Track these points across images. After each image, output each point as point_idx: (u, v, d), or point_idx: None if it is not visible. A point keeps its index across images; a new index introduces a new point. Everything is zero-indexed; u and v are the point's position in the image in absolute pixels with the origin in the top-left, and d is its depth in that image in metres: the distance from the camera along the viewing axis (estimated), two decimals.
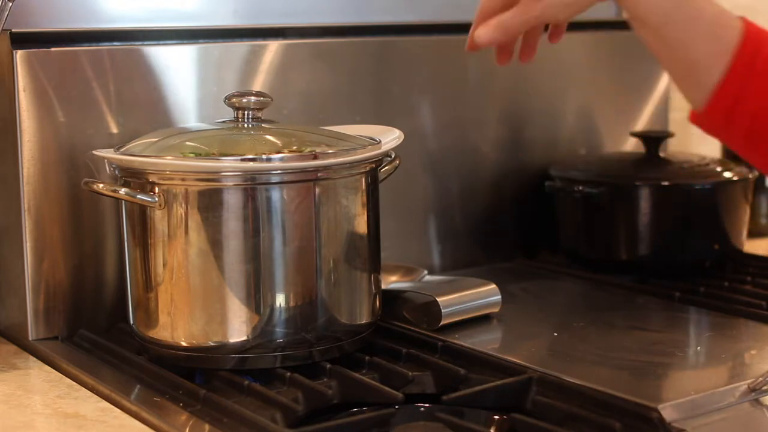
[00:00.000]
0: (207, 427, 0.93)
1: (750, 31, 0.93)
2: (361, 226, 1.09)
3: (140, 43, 1.22)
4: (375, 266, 1.11)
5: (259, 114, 1.10)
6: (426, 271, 1.28)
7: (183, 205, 1.03)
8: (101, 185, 1.06)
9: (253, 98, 1.10)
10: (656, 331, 1.21)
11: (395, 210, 1.36)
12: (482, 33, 0.96)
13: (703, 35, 0.93)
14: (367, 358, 1.08)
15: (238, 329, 1.03)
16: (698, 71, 0.94)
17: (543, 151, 1.52)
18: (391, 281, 1.26)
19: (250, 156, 1.02)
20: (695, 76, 0.94)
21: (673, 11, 0.92)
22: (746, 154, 0.98)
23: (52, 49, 1.16)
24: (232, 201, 1.02)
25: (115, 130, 1.20)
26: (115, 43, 1.20)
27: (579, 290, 1.38)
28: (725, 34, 0.93)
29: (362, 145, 1.09)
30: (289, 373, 1.02)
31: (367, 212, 1.09)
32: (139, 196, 1.04)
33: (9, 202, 1.18)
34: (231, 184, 1.02)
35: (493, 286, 1.21)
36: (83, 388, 1.04)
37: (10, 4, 1.10)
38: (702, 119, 0.96)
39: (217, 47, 1.27)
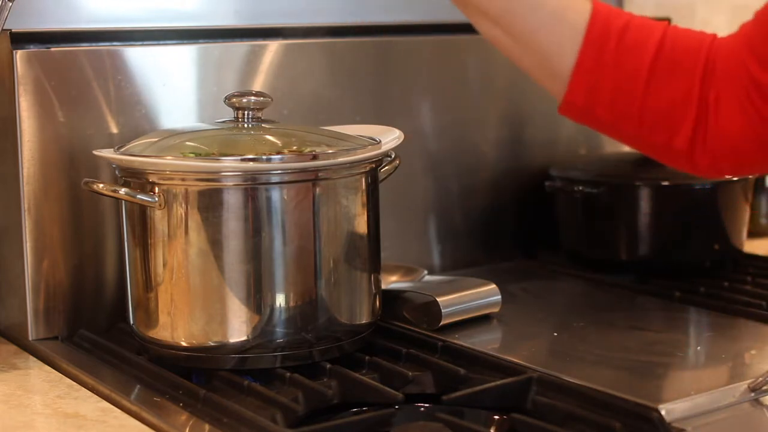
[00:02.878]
0: (207, 427, 0.93)
1: (598, 10, 0.92)
2: (361, 226, 1.09)
3: (140, 43, 1.22)
4: (375, 266, 1.11)
5: (259, 114, 1.10)
6: (426, 271, 1.28)
7: (183, 205, 1.03)
8: (101, 185, 1.06)
9: (253, 98, 1.10)
10: (656, 331, 1.21)
11: (395, 210, 1.36)
12: None
13: (549, 22, 0.92)
14: (367, 358, 1.08)
15: (238, 329, 1.03)
16: (550, 59, 0.93)
17: (543, 151, 1.53)
18: (391, 281, 1.27)
19: (250, 156, 1.02)
20: (549, 66, 0.93)
21: (513, 2, 0.92)
22: (614, 132, 0.97)
23: (52, 49, 1.16)
24: (232, 201, 1.02)
25: (115, 130, 1.20)
26: (115, 43, 1.20)
27: (579, 290, 1.38)
28: (571, 17, 0.92)
29: (362, 145, 1.09)
30: (289, 373, 1.02)
31: (367, 212, 1.09)
32: (139, 196, 1.03)
33: (9, 202, 1.18)
34: (231, 184, 1.02)
35: (493, 286, 1.21)
36: (83, 388, 1.04)
37: (10, 4, 1.10)
38: (567, 107, 0.95)
39: (217, 47, 1.27)
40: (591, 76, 0.93)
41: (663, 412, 0.92)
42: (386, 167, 1.15)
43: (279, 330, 1.04)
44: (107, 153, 1.10)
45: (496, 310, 1.21)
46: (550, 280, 1.43)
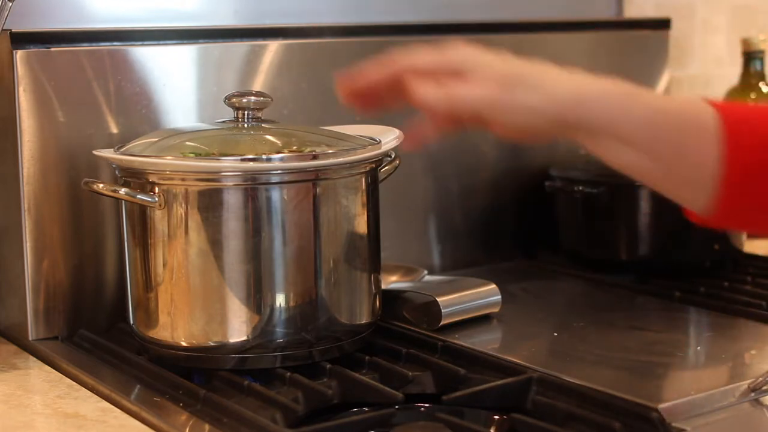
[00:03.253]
0: (207, 427, 0.93)
1: (723, 111, 0.89)
2: (361, 226, 1.09)
3: (140, 43, 1.22)
4: (375, 266, 1.11)
5: (259, 114, 1.10)
6: (426, 271, 1.28)
7: (183, 205, 1.03)
8: (101, 185, 1.06)
9: (253, 98, 1.10)
10: (656, 331, 1.21)
11: (395, 210, 1.36)
12: (431, 92, 0.88)
13: (692, 135, 0.89)
14: (367, 358, 1.08)
15: (238, 329, 1.03)
16: (695, 170, 0.89)
17: (543, 151, 1.52)
18: (391, 281, 1.26)
19: (250, 156, 1.02)
20: (695, 177, 0.89)
21: (660, 127, 0.89)
22: None
23: (52, 49, 1.16)
24: (232, 201, 1.02)
25: (115, 130, 1.20)
26: (115, 43, 1.20)
27: (579, 290, 1.38)
28: (704, 122, 0.88)
29: (362, 145, 1.09)
30: (289, 373, 1.02)
31: (367, 212, 1.09)
32: (139, 196, 1.04)
33: (9, 202, 1.18)
34: (231, 184, 1.02)
35: (493, 286, 1.21)
36: (83, 388, 1.04)
37: (10, 4, 1.10)
38: (722, 216, 0.90)
39: (217, 47, 1.27)
40: (742, 174, 0.88)
41: (663, 412, 0.92)
42: (386, 167, 1.15)
43: (279, 330, 1.04)
44: (107, 153, 1.10)
45: (496, 310, 1.21)
46: (550, 280, 1.43)
